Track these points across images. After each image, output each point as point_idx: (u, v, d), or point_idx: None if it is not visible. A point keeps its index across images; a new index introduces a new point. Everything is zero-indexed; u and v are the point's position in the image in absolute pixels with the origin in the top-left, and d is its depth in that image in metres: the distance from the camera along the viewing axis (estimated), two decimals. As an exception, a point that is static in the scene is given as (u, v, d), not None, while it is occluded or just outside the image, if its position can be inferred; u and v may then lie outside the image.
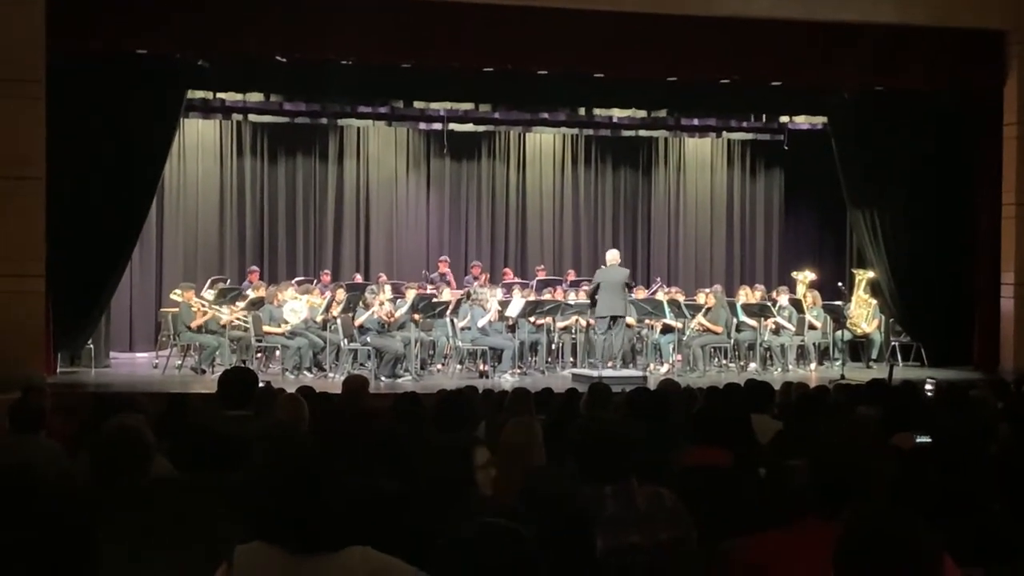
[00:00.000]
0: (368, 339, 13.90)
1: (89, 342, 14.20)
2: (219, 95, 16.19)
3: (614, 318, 13.84)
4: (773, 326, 15.44)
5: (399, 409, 5.98)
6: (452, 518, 3.28)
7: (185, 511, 3.61)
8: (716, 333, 15.08)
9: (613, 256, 14.52)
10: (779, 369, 15.19)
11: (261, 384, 6.58)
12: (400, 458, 4.13)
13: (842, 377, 13.36)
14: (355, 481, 3.08)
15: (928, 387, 9.28)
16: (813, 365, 15.53)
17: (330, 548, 2.85)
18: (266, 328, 14.17)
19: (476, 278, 16.83)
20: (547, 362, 15.21)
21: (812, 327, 15.67)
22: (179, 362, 14.62)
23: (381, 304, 13.98)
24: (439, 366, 14.90)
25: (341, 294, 14.63)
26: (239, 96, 16.41)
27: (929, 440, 4.55)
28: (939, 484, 3.72)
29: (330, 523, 2.86)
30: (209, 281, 15.90)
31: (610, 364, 14.31)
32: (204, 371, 13.96)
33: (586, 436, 4.00)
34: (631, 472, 3.96)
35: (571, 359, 15.60)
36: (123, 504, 3.42)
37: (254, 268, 16.78)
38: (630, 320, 15.07)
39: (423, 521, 3.45)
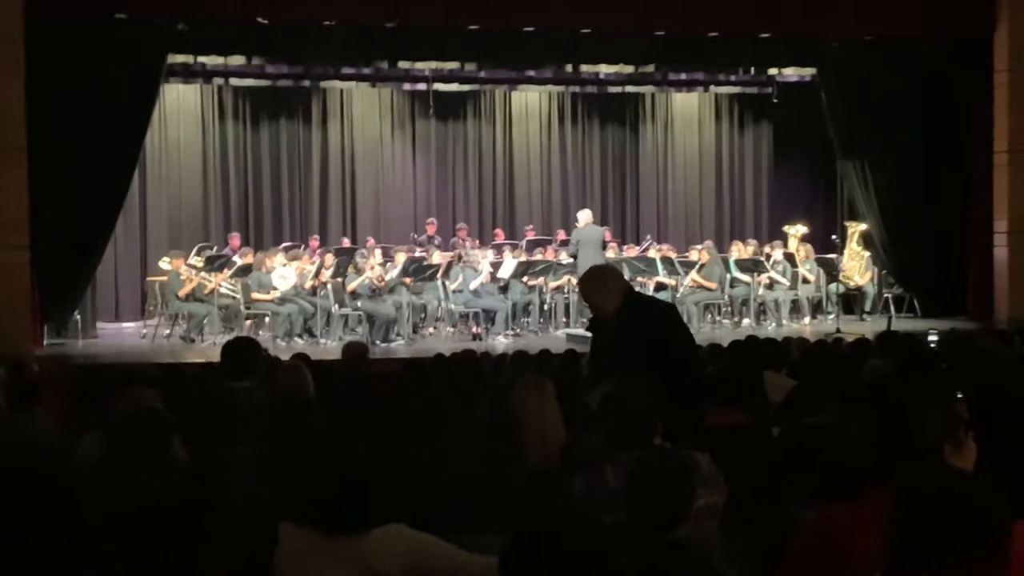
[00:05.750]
0: (360, 304, 13.75)
1: (76, 313, 14.00)
2: (200, 59, 15.93)
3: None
4: (767, 281, 15.33)
5: (410, 378, 5.84)
6: (482, 484, 3.19)
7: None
8: (710, 289, 14.98)
9: (586, 216, 14.69)
10: (773, 324, 15.09)
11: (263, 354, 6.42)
12: (417, 427, 4.02)
13: (837, 331, 13.28)
14: (377, 455, 2.94)
15: (931, 339, 9.19)
16: (807, 319, 15.45)
17: (361, 528, 2.73)
18: (255, 295, 14.00)
19: (463, 240, 16.68)
20: (540, 323, 15.08)
21: (805, 281, 15.57)
22: (167, 331, 14.45)
23: (372, 268, 13.83)
24: (431, 329, 14.78)
25: (330, 259, 14.48)
26: (220, 59, 16.14)
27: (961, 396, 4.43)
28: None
29: (359, 501, 2.74)
30: (196, 248, 15.73)
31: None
32: (193, 340, 13.80)
33: (612, 405, 3.89)
34: (655, 438, 3.86)
35: (564, 319, 15.47)
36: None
37: (235, 234, 16.59)
38: (622, 278, 14.99)
39: (452, 489, 3.35)
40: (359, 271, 13.77)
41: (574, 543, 2.13)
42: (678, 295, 14.93)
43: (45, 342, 13.38)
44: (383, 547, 2.70)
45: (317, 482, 2.76)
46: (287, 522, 2.73)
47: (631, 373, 4.97)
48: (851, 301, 16.08)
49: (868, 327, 13.79)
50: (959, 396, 3.79)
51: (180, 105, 17.54)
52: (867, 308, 15.91)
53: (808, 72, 17.20)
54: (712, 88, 19.06)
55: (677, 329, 5.55)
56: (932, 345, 8.79)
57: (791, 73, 17.73)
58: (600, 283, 5.51)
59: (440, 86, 17.89)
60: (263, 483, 3.67)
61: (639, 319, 5.34)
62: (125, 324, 16.39)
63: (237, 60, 16.21)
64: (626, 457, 3.53)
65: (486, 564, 2.43)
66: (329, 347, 13.00)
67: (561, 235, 17.14)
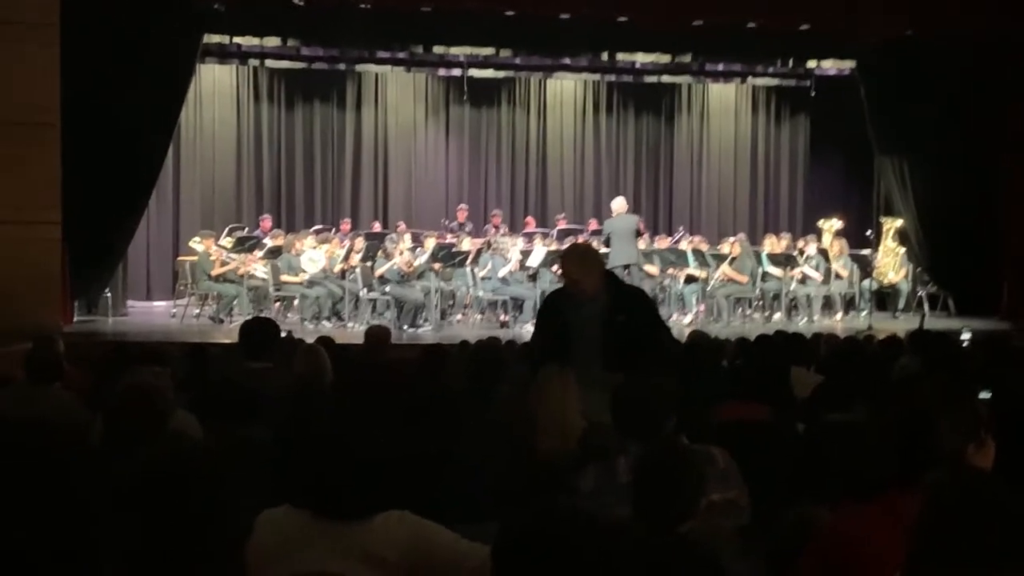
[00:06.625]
0: (388, 289, 13.72)
1: (106, 290, 14.05)
2: (235, 39, 15.89)
3: (626, 266, 13.74)
4: (799, 275, 15.16)
5: (429, 365, 5.78)
6: (499, 473, 3.13)
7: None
8: (741, 283, 14.83)
9: (620, 204, 14.58)
10: (804, 319, 14.92)
11: (283, 335, 6.39)
12: (436, 414, 3.96)
13: (869, 328, 13.12)
14: (389, 441, 2.88)
15: (964, 337, 9.05)
16: (839, 315, 15.26)
17: (365, 513, 2.67)
18: (284, 277, 14.00)
19: (497, 227, 16.60)
20: (568, 312, 14.96)
21: (839, 276, 15.37)
22: (197, 311, 14.49)
23: (401, 253, 13.79)
24: (459, 316, 14.73)
25: (360, 243, 14.47)
26: (256, 40, 16.10)
27: (989, 396, 4.34)
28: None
29: (365, 487, 2.68)
30: (227, 229, 15.74)
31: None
32: (222, 320, 13.85)
33: (623, 395, 3.82)
34: (668, 429, 3.79)
35: (592, 309, 15.35)
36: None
37: (266, 216, 16.58)
38: (653, 269, 14.89)
39: (468, 477, 3.29)
40: (388, 256, 13.73)
41: (567, 535, 2.07)
42: (708, 288, 14.81)
43: (75, 319, 13.43)
44: (386, 532, 2.64)
45: (326, 464, 2.71)
46: (287, 504, 2.68)
47: (622, 353, 5.04)
48: (885, 298, 15.88)
49: (901, 325, 13.59)
50: (983, 395, 3.70)
51: (215, 86, 17.57)
52: (901, 306, 15.69)
53: (847, 65, 16.96)
54: (749, 80, 18.86)
55: (656, 309, 6.05)
56: (964, 344, 8.64)
57: (830, 66, 17.48)
58: (585, 260, 5.62)
59: (475, 72, 17.80)
60: (276, 464, 3.63)
61: (628, 298, 5.60)
62: (156, 303, 16.47)
63: (273, 41, 16.16)
64: (640, 450, 3.46)
65: (488, 554, 2.37)
66: (356, 331, 12.95)
67: (593, 224, 17.03)
